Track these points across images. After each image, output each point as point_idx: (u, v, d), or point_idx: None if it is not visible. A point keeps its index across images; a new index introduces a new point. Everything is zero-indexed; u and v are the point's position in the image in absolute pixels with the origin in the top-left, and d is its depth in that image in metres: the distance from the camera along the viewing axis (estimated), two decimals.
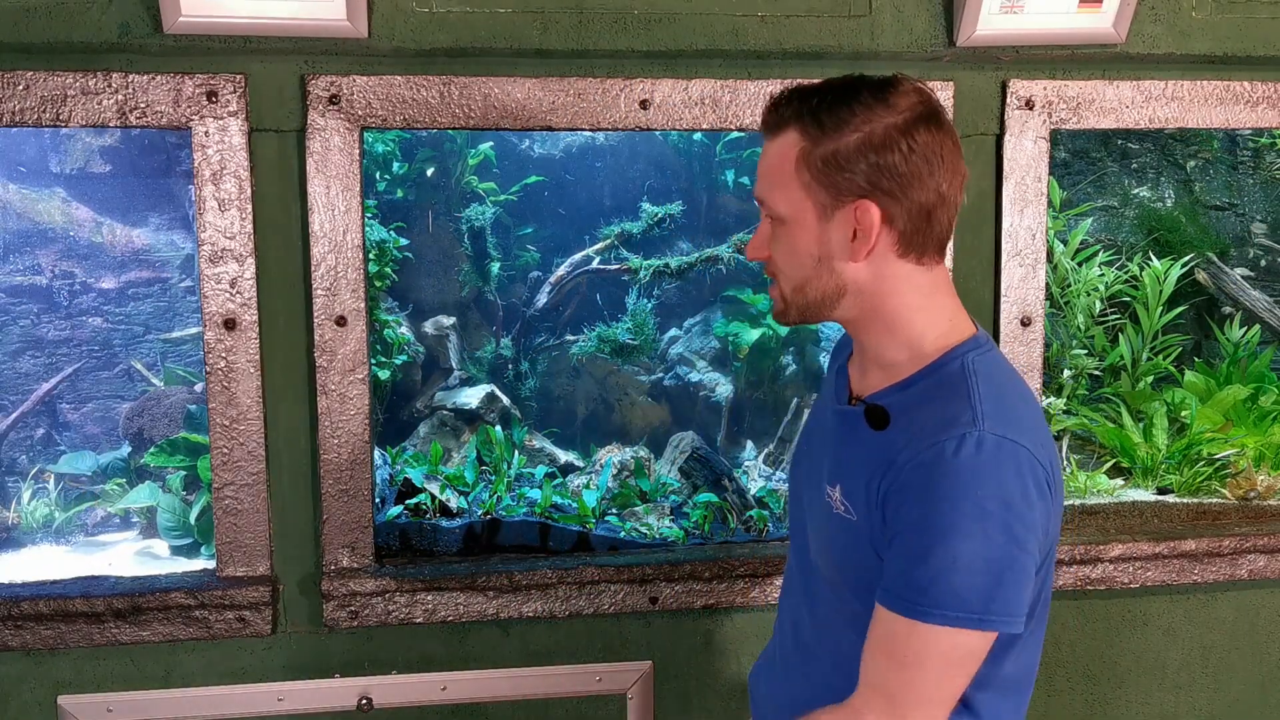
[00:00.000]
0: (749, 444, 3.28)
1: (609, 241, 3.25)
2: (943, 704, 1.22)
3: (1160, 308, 2.91)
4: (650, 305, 3.26)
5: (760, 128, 1.33)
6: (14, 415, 3.03)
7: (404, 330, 3.00)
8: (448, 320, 3.13)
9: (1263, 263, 3.37)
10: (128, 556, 2.61)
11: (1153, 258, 2.99)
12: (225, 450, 1.99)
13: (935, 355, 1.30)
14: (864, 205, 1.24)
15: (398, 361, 2.95)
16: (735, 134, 3.19)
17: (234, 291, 1.96)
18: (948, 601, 1.17)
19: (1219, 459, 2.62)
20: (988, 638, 1.20)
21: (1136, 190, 3.39)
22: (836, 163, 1.23)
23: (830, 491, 1.32)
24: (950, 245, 2.13)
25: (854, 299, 1.30)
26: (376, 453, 2.29)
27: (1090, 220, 3.10)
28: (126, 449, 2.95)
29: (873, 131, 1.22)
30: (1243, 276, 3.27)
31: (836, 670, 1.35)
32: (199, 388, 2.92)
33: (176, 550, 2.58)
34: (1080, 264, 2.89)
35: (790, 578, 1.53)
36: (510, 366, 3.22)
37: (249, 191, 1.95)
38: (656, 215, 3.24)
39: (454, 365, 3.11)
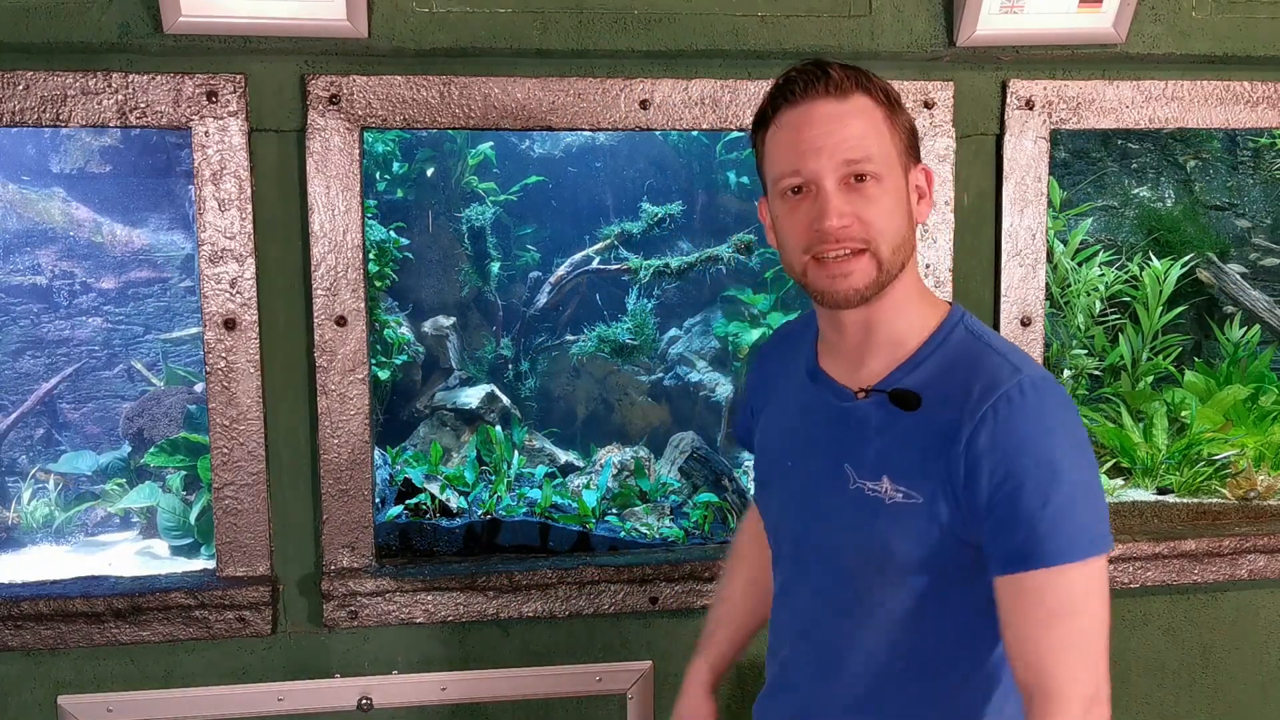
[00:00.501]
0: None
1: (609, 241, 3.25)
2: (1107, 642, 1.23)
3: (1160, 308, 2.91)
4: (650, 305, 3.26)
5: (815, 91, 1.28)
6: (14, 415, 3.03)
7: (404, 330, 3.00)
8: (447, 320, 3.13)
9: (1262, 262, 3.38)
10: (128, 556, 2.61)
11: (1153, 258, 2.99)
12: (225, 450, 1.99)
13: (934, 326, 1.33)
14: (925, 168, 1.35)
15: (398, 361, 2.95)
16: (735, 134, 3.19)
17: (234, 291, 1.96)
18: (1081, 533, 1.19)
19: (1219, 459, 2.62)
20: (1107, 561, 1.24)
21: (1136, 190, 3.39)
22: (908, 126, 1.33)
23: (873, 485, 1.30)
24: (950, 245, 2.13)
25: (910, 265, 1.33)
26: (376, 453, 2.29)
27: (1090, 220, 3.10)
28: (126, 449, 2.95)
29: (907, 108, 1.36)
30: (1240, 275, 3.27)
31: (866, 673, 1.34)
32: (199, 388, 2.92)
33: (176, 550, 2.58)
34: (1080, 264, 2.90)
35: (791, 595, 1.45)
36: (510, 366, 3.22)
37: (249, 191, 1.95)
38: (656, 215, 3.24)
39: (454, 365, 3.11)
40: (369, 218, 2.57)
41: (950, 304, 1.38)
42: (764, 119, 1.34)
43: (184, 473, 2.70)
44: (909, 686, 1.33)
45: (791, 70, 1.31)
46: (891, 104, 1.31)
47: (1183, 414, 2.77)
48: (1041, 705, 1.19)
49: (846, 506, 1.33)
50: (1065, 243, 2.88)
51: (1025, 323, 2.17)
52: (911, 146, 1.33)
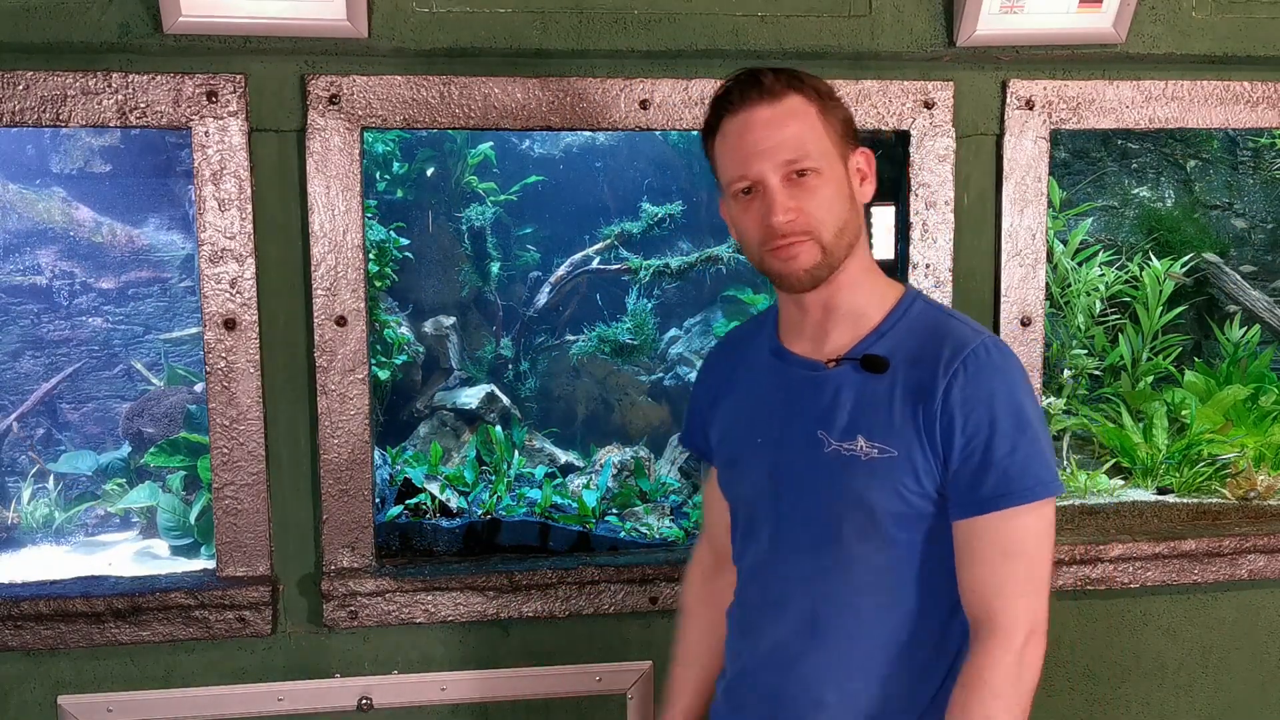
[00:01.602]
0: None
1: (609, 241, 3.25)
2: (1049, 580, 1.38)
3: (1160, 308, 2.91)
4: (650, 305, 3.26)
5: (750, 98, 1.39)
6: (14, 415, 3.03)
7: (404, 330, 3.00)
8: (448, 320, 3.13)
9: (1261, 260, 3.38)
10: (128, 556, 2.61)
11: (1152, 258, 2.99)
12: (225, 450, 1.99)
13: (894, 302, 1.46)
14: (864, 150, 1.45)
15: (398, 361, 2.95)
16: None
17: (234, 291, 1.96)
18: (1042, 476, 1.34)
19: (1219, 460, 2.62)
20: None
21: (1136, 190, 3.39)
22: (843, 117, 1.43)
23: (849, 445, 1.40)
24: (950, 245, 2.13)
25: (858, 245, 1.44)
26: (376, 453, 2.29)
27: (1090, 220, 3.10)
28: (126, 449, 2.95)
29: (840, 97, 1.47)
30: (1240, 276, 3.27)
31: (850, 631, 1.41)
32: (199, 388, 2.92)
33: (176, 550, 2.58)
34: (1080, 264, 2.89)
35: (765, 571, 1.50)
36: (510, 366, 3.22)
37: (249, 191, 1.95)
38: (656, 215, 3.24)
39: (454, 365, 3.11)
40: (369, 218, 2.57)
41: (905, 285, 1.50)
42: (710, 129, 1.45)
43: (184, 473, 2.70)
44: (890, 642, 1.41)
45: (728, 80, 1.42)
46: (823, 99, 1.41)
47: (1183, 414, 2.77)
48: (987, 635, 1.33)
49: (823, 469, 1.41)
50: (1065, 243, 2.88)
51: (1025, 323, 2.17)
52: (848, 134, 1.43)
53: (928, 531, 1.39)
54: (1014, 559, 1.33)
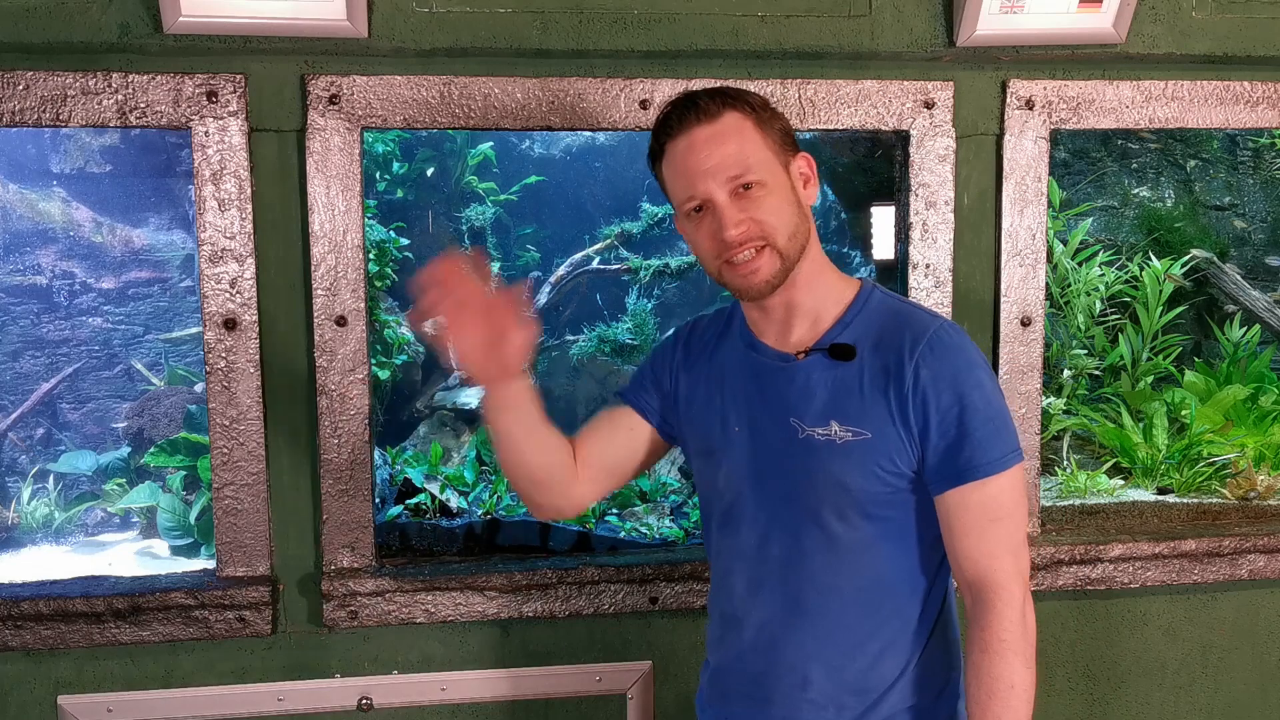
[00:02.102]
0: None
1: (609, 241, 3.25)
2: (1025, 534, 1.47)
3: (1160, 308, 2.91)
4: (650, 305, 3.26)
5: (689, 121, 1.45)
6: (14, 415, 3.03)
7: (404, 330, 3.00)
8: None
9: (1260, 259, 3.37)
10: (128, 556, 2.61)
11: (1152, 258, 2.99)
12: (225, 450, 1.99)
13: (851, 296, 1.52)
14: (804, 155, 1.51)
15: (398, 361, 2.95)
16: None
17: (234, 291, 1.96)
18: (1009, 443, 1.42)
19: (1219, 460, 2.62)
20: None
21: (1136, 190, 3.39)
22: (780, 127, 1.48)
23: (822, 431, 1.46)
24: (950, 245, 2.13)
25: (810, 245, 1.50)
26: (376, 453, 2.29)
27: (1090, 220, 3.10)
28: (126, 449, 2.95)
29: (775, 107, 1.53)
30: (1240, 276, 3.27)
31: (834, 611, 1.48)
32: (199, 388, 2.92)
33: (176, 550, 2.58)
34: (1080, 264, 2.89)
35: (745, 559, 1.54)
36: None
37: (249, 191, 1.95)
38: (656, 215, 3.24)
39: (454, 365, 3.11)
40: (369, 218, 2.57)
41: (860, 279, 1.56)
42: (656, 154, 1.51)
43: (184, 473, 2.70)
44: (871, 616, 1.48)
45: (667, 106, 1.48)
46: (758, 111, 1.47)
47: (1183, 414, 2.77)
48: (991, 596, 1.41)
49: (799, 454, 1.47)
50: (1065, 243, 2.88)
51: (1025, 323, 2.17)
52: (786, 143, 1.48)
53: (901, 508, 1.46)
54: (999, 522, 1.42)
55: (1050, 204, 2.31)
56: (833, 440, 1.45)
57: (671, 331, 1.75)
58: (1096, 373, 2.91)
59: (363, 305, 1.99)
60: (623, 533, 2.47)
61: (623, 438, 1.67)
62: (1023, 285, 2.17)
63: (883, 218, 2.95)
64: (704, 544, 1.66)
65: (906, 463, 1.44)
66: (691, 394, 1.63)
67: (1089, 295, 2.87)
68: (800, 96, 2.06)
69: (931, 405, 1.41)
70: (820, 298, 1.51)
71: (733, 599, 1.56)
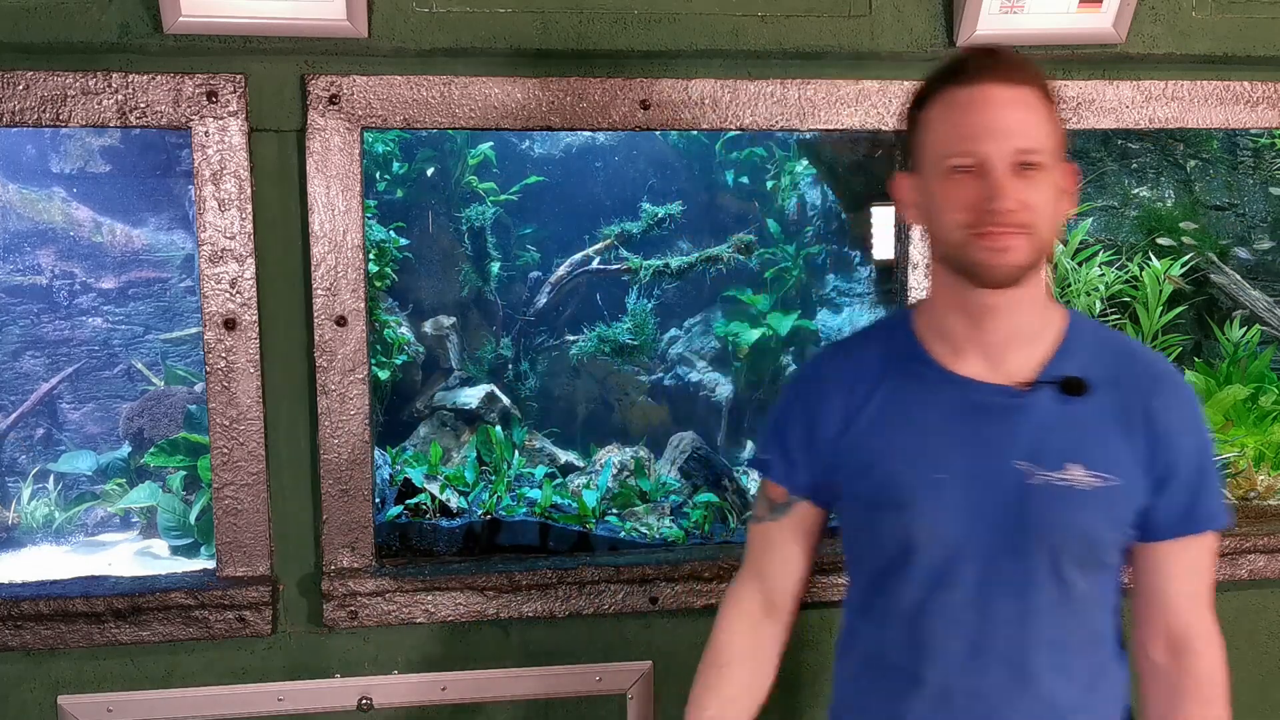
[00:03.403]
0: (749, 444, 3.28)
1: (609, 241, 3.25)
2: None
3: (1160, 308, 2.91)
4: (650, 305, 3.26)
5: (987, 74, 1.30)
6: (14, 415, 3.03)
7: (404, 330, 3.01)
8: (448, 320, 3.14)
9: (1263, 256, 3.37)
10: (128, 556, 2.61)
11: (1153, 258, 2.99)
12: (225, 450, 1.99)
13: (1061, 319, 1.39)
14: (1073, 166, 1.35)
15: (398, 361, 2.95)
16: (734, 134, 3.19)
17: (234, 291, 1.96)
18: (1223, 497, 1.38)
19: (1219, 459, 2.62)
20: None
21: (1136, 190, 3.39)
22: (1060, 126, 1.35)
23: (1061, 476, 1.32)
24: None
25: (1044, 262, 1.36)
26: (376, 453, 2.29)
27: (1090, 220, 3.10)
28: (126, 449, 2.95)
29: None
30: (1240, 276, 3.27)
31: (1068, 674, 1.37)
32: (199, 388, 2.92)
33: (176, 550, 2.58)
34: (1080, 264, 2.90)
35: (944, 614, 1.37)
36: (510, 366, 3.22)
37: (249, 191, 1.95)
38: (656, 215, 3.24)
39: (454, 365, 3.11)
40: (369, 218, 2.57)
41: (1059, 301, 1.44)
42: (927, 95, 1.33)
43: (184, 473, 2.70)
44: (1093, 676, 1.39)
45: (964, 51, 1.34)
46: (1052, 101, 1.34)
47: None
48: (1203, 646, 1.37)
49: (1031, 503, 1.32)
50: (1065, 243, 2.88)
51: None
52: (1062, 145, 1.34)
53: (1120, 556, 1.39)
54: (1206, 573, 1.40)
55: None
56: (1073, 485, 1.31)
57: (794, 379, 1.54)
58: None
59: (363, 305, 1.99)
60: (623, 533, 2.47)
61: (804, 544, 1.48)
62: None
63: (883, 218, 2.95)
64: (846, 603, 1.48)
65: (1139, 510, 1.34)
66: (857, 442, 1.40)
67: (1089, 295, 2.87)
68: (800, 96, 2.06)
69: (1177, 450, 1.33)
70: (1040, 320, 1.36)
71: (937, 665, 1.37)
